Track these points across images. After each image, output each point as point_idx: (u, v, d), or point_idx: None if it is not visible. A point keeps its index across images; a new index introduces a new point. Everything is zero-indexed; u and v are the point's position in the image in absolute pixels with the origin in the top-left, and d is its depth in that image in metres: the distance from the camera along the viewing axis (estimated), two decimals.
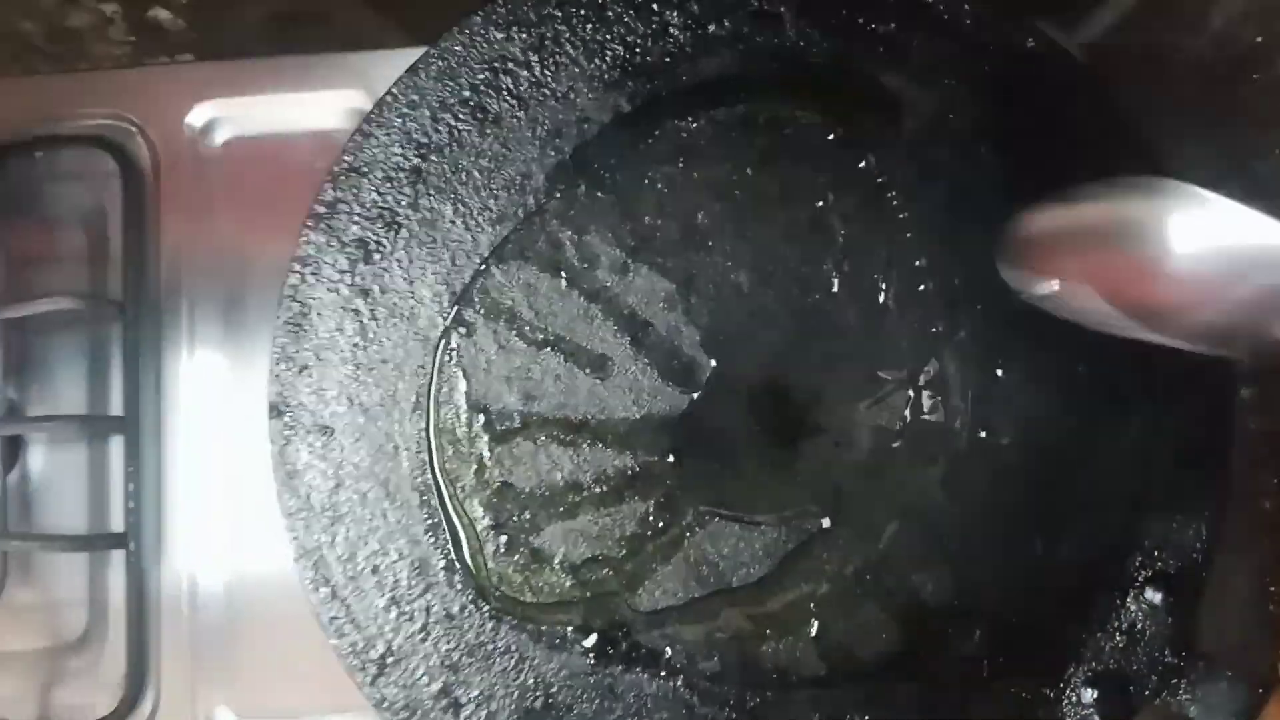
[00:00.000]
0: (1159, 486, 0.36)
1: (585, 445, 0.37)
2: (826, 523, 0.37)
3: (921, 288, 0.37)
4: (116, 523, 0.42)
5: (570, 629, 0.36)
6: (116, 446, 0.43)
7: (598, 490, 0.37)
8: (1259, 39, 0.49)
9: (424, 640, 0.36)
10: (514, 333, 0.38)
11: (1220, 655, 0.43)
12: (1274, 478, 0.48)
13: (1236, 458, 0.47)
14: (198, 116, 0.44)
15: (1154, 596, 0.35)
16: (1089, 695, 0.35)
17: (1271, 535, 0.47)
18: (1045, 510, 0.36)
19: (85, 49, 0.49)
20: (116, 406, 0.43)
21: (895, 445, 0.37)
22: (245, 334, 0.43)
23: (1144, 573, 0.36)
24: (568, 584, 0.37)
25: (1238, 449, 0.47)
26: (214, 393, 0.43)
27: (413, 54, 0.38)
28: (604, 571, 0.37)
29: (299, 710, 0.42)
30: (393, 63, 0.39)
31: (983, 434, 0.37)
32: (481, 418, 0.37)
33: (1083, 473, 0.36)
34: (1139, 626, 0.36)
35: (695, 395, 0.37)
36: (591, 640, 0.36)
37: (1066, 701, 0.35)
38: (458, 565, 0.36)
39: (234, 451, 0.42)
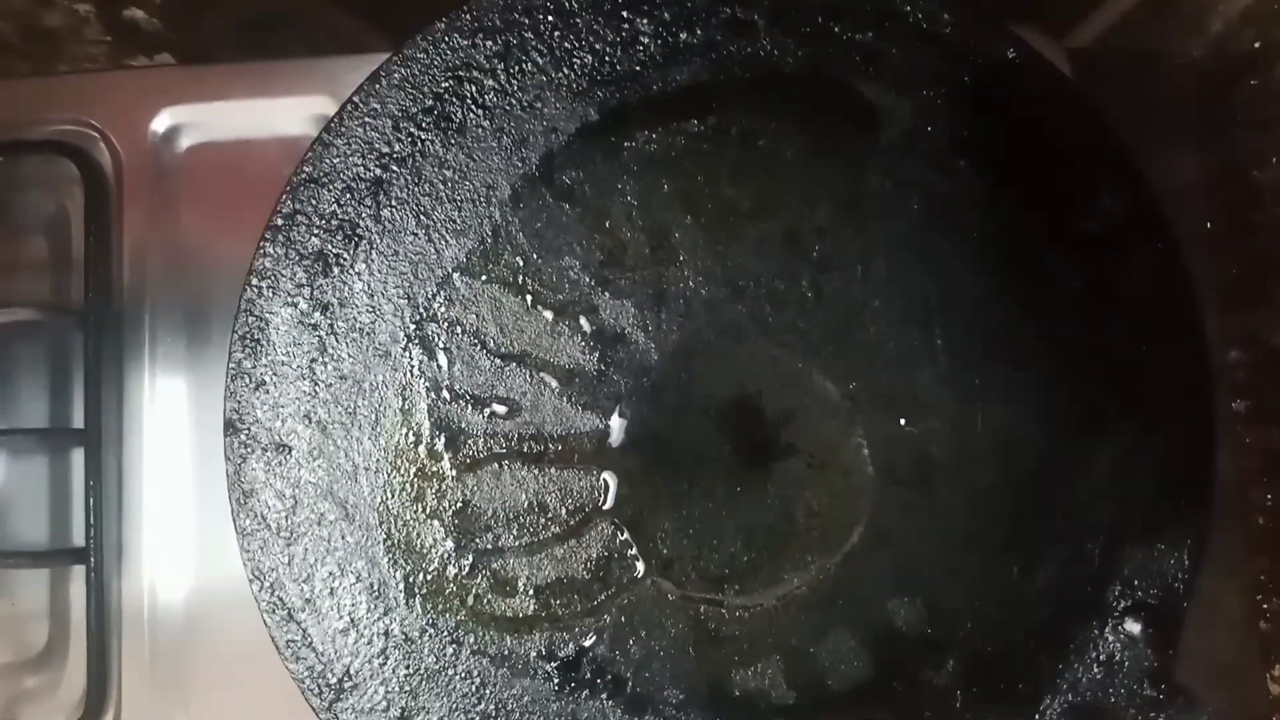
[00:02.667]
0: (1139, 513, 0.35)
1: (551, 465, 0.36)
2: (798, 547, 0.36)
3: (898, 305, 0.36)
4: (78, 537, 0.42)
5: (533, 654, 0.35)
6: (78, 459, 0.42)
7: (563, 511, 0.36)
8: (1257, 44, 0.48)
9: (383, 665, 0.35)
10: (479, 348, 0.36)
11: (1205, 681, 0.42)
12: (1268, 494, 0.47)
13: (1228, 474, 0.46)
14: (162, 122, 0.43)
15: (1133, 627, 0.34)
16: None
17: (1265, 553, 0.46)
18: (1022, 536, 0.35)
19: (61, 49, 0.48)
20: (78, 419, 0.42)
21: (869, 468, 0.36)
22: (209, 345, 0.42)
23: (1123, 602, 0.35)
24: (531, 608, 0.36)
25: (1230, 464, 0.46)
26: (176, 405, 0.42)
27: (383, 60, 0.37)
28: (570, 595, 0.36)
29: None
30: (362, 68, 0.37)
31: (960, 457, 0.36)
32: (443, 436, 0.36)
33: (1061, 498, 0.35)
34: (1117, 658, 0.34)
35: (665, 414, 0.36)
36: (555, 666, 0.35)
37: None
38: (417, 589, 0.35)
39: (196, 465, 0.42)
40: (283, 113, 0.42)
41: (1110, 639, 0.35)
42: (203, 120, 0.43)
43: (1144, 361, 0.36)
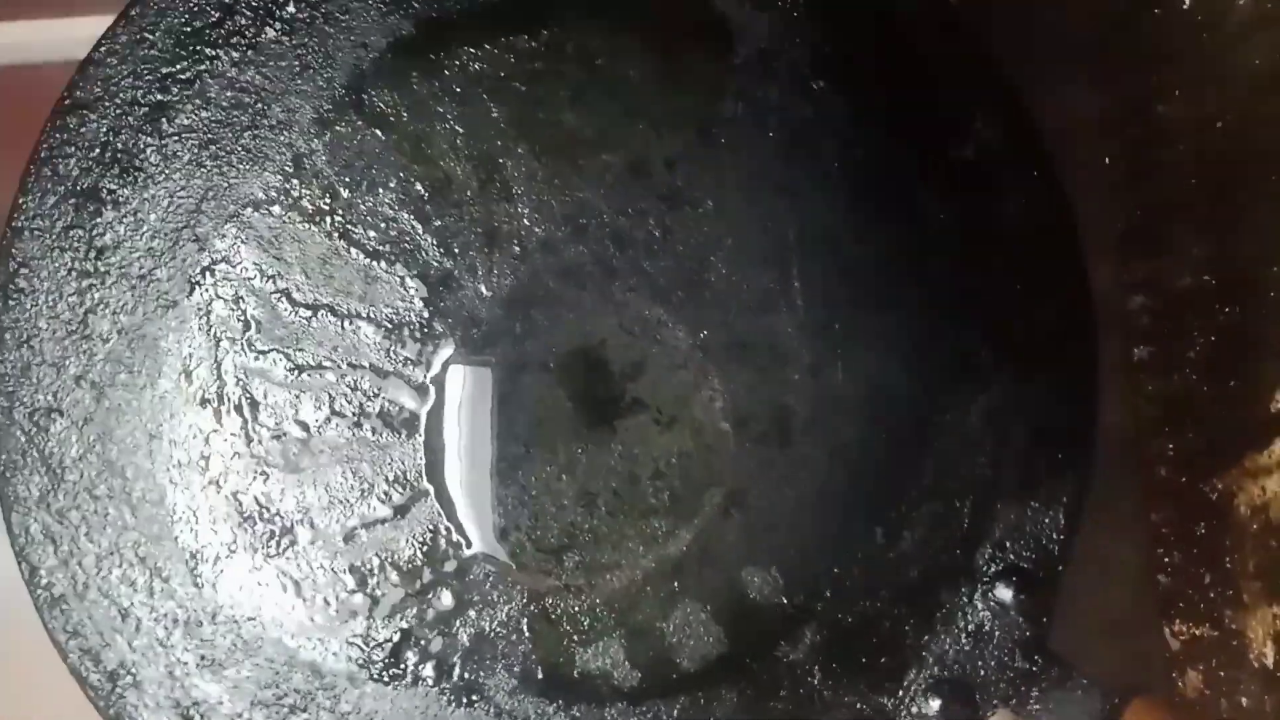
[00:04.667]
0: (1013, 468, 0.32)
1: (368, 429, 0.32)
2: (644, 512, 0.32)
3: (753, 244, 0.33)
4: None
5: (347, 640, 0.32)
6: None
7: (382, 481, 0.32)
8: None
9: (167, 654, 0.31)
10: (281, 296, 0.32)
11: (1097, 638, 0.40)
12: (1169, 444, 0.45)
13: (1125, 423, 0.44)
14: None
15: (1004, 593, 0.32)
16: (931, 706, 0.31)
17: (1166, 505, 0.44)
18: (887, 495, 0.32)
19: None
20: None
21: (723, 424, 0.33)
22: None
23: (994, 566, 0.32)
24: (346, 590, 0.32)
25: (1128, 414, 0.44)
26: None
27: None
28: (390, 575, 0.32)
29: None
30: None
31: (820, 410, 0.33)
32: (241, 398, 0.32)
33: (930, 453, 0.32)
34: (987, 627, 0.32)
35: (498, 369, 0.33)
36: (372, 653, 0.32)
37: (905, 712, 0.32)
38: (208, 571, 0.31)
39: None
40: (66, 32, 0.37)
41: (980, 606, 0.32)
42: None
43: (1020, 304, 0.33)
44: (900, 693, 0.32)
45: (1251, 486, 0.37)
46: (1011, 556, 0.32)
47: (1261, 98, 0.37)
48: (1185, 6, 0.41)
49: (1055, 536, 0.32)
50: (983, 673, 0.32)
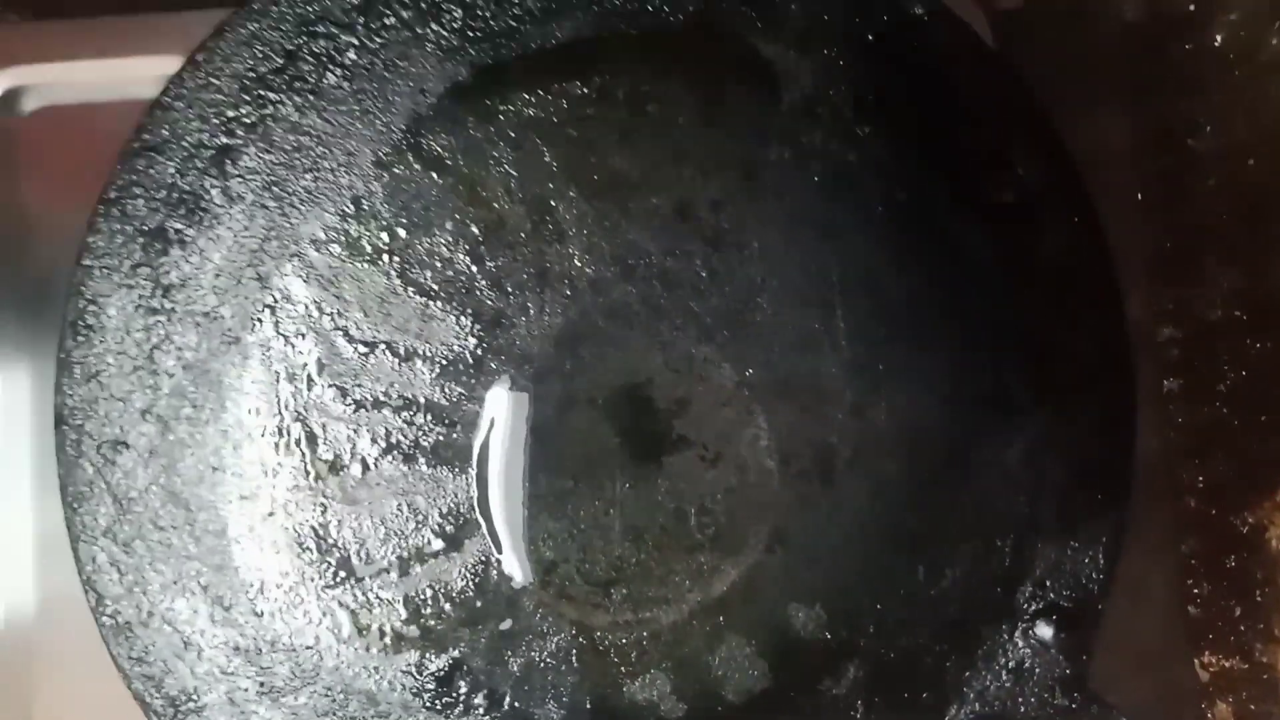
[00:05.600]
0: (1053, 506, 0.33)
1: (423, 463, 0.33)
2: (690, 547, 0.33)
3: (797, 284, 0.34)
4: None
5: (401, 670, 0.32)
6: None
7: (435, 514, 0.33)
8: (1192, 6, 0.46)
9: (228, 682, 0.32)
10: (340, 334, 0.33)
11: (1129, 669, 0.40)
12: (1199, 475, 0.45)
13: (1155, 454, 0.44)
14: (2, 83, 0.39)
15: (1045, 631, 0.32)
16: None
17: (1195, 535, 0.45)
18: (929, 533, 0.33)
19: None
20: None
21: (767, 461, 0.33)
22: (53, 329, 0.38)
23: (1034, 604, 0.32)
24: (400, 620, 0.33)
25: (1159, 444, 0.44)
26: (14, 396, 0.38)
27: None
28: (443, 605, 0.33)
29: None
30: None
31: (863, 448, 0.33)
32: (300, 432, 0.33)
33: (970, 491, 0.33)
34: (1027, 664, 0.32)
35: (548, 405, 0.33)
36: (425, 682, 0.32)
37: None
38: (269, 601, 0.32)
39: (35, 463, 0.38)
40: (134, 73, 0.38)
41: (1020, 644, 0.32)
42: (47, 81, 0.39)
43: (1059, 343, 0.33)
44: None
45: None
46: (1052, 595, 0.32)
47: None
48: (1217, 43, 0.42)
49: (1095, 576, 0.32)
50: (1023, 709, 0.32)
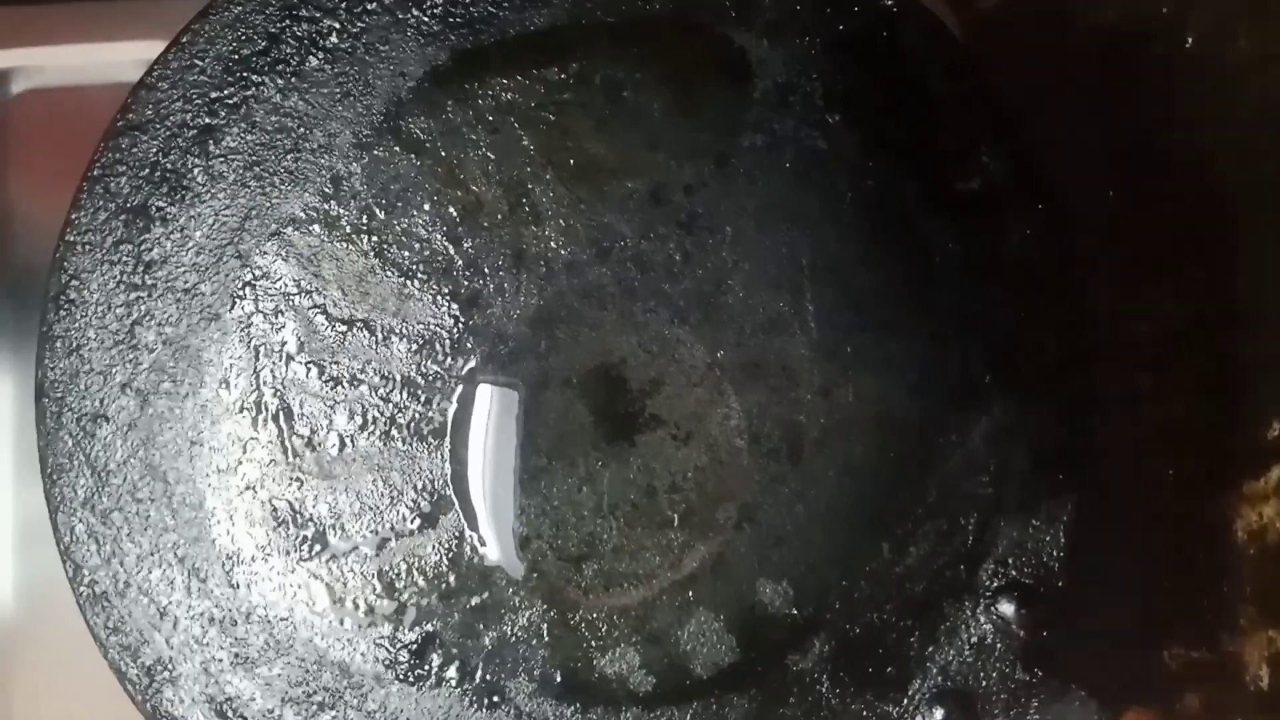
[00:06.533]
0: (1015, 488, 0.33)
1: (398, 440, 0.34)
2: (661, 524, 0.34)
3: (768, 268, 0.34)
4: None
5: (374, 642, 0.33)
6: None
7: (410, 490, 0.34)
8: (1165, 9, 0.47)
9: (202, 651, 0.32)
10: (318, 311, 0.34)
11: (1096, 656, 0.41)
12: (1169, 469, 0.46)
13: (1125, 448, 0.45)
14: None
15: (1006, 608, 0.33)
16: (935, 715, 0.32)
17: (1162, 528, 0.45)
18: (894, 512, 0.33)
19: None
20: None
21: (737, 440, 0.34)
22: (37, 309, 0.39)
23: (996, 581, 0.33)
24: (374, 594, 0.33)
25: (1128, 438, 0.45)
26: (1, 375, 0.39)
27: None
28: (417, 580, 0.33)
29: None
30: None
31: (830, 429, 0.34)
32: (278, 408, 0.33)
33: (935, 472, 0.34)
34: (989, 640, 0.33)
35: (524, 384, 0.34)
36: (398, 654, 0.33)
37: None
38: (245, 572, 0.33)
39: (16, 439, 0.38)
40: (120, 56, 0.39)
41: (983, 620, 0.33)
42: (34, 64, 0.40)
43: (1022, 331, 0.34)
44: (905, 702, 0.33)
45: (1249, 512, 0.38)
46: (1013, 572, 0.33)
47: (1260, 133, 0.38)
48: (1188, 45, 0.43)
49: (1055, 553, 0.33)
50: (984, 684, 0.33)
